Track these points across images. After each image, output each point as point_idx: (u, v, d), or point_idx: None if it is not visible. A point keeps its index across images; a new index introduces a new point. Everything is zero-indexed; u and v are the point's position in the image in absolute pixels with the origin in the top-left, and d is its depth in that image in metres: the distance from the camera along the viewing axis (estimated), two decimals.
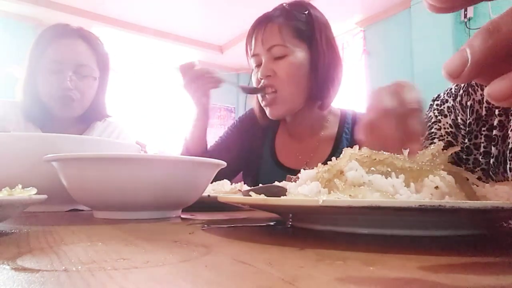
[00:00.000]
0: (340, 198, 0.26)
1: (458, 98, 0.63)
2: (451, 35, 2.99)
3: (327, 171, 0.31)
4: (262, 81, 0.98)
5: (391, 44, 3.61)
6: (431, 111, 0.67)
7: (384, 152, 0.31)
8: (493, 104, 0.58)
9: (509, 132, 0.56)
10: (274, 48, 0.96)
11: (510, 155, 0.56)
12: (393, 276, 0.17)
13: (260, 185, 0.41)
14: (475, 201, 0.23)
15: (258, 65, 1.01)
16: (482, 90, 0.60)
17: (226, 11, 3.72)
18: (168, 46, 4.45)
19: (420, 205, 0.22)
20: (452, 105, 0.64)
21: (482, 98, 0.60)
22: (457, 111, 0.63)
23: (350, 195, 0.27)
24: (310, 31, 0.98)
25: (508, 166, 0.55)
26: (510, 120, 0.56)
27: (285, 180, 0.48)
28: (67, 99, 1.07)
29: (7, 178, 0.53)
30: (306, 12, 1.00)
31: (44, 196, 0.35)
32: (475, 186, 0.30)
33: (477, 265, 0.20)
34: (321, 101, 1.00)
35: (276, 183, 0.46)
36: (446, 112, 0.64)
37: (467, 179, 0.30)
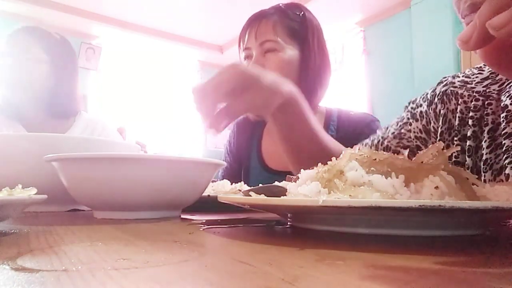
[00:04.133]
0: (340, 198, 0.26)
1: (433, 106, 0.63)
2: (451, 35, 2.99)
3: (327, 171, 0.31)
4: None
5: (391, 44, 3.61)
6: (404, 112, 0.68)
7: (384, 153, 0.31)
8: (466, 114, 0.59)
9: (482, 143, 0.56)
10: (266, 43, 0.98)
11: (484, 166, 0.55)
12: (393, 276, 0.17)
13: (260, 185, 0.41)
14: (475, 201, 0.23)
15: (248, 58, 1.03)
16: (457, 99, 0.60)
17: (226, 11, 3.72)
18: (168, 46, 4.45)
19: (420, 205, 0.22)
20: (426, 110, 0.63)
21: (455, 108, 0.60)
22: (430, 118, 0.63)
23: (350, 195, 0.27)
24: (303, 32, 1.01)
25: (482, 178, 0.55)
26: (483, 131, 0.56)
27: (284, 181, 0.48)
28: (17, 82, 1.14)
29: (7, 178, 0.53)
30: (301, 14, 1.02)
31: (44, 196, 0.35)
32: (475, 186, 0.30)
33: (477, 265, 0.20)
34: (308, 101, 1.02)
35: (276, 183, 0.46)
36: (418, 117, 0.64)
37: (467, 179, 0.30)
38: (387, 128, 0.69)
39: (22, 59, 1.14)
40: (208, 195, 0.55)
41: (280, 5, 1.04)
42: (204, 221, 0.44)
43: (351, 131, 1.02)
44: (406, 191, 0.27)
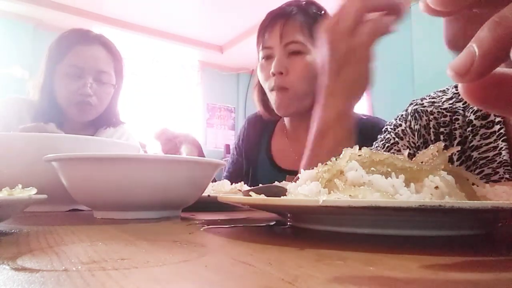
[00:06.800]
0: (340, 198, 0.26)
1: (407, 123, 0.66)
2: None
3: (327, 171, 0.31)
4: (272, 78, 0.96)
5: (391, 44, 3.60)
6: (387, 133, 0.70)
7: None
8: (438, 129, 0.62)
9: (453, 156, 0.59)
10: (291, 44, 0.94)
11: None
12: (393, 276, 0.17)
13: (260, 185, 0.41)
14: (475, 201, 0.23)
15: (268, 58, 0.99)
16: (427, 116, 0.64)
17: (226, 11, 3.72)
18: (168, 46, 4.45)
19: (420, 205, 0.22)
20: (405, 128, 0.67)
21: (427, 124, 0.63)
22: (409, 134, 0.66)
23: (350, 195, 0.27)
24: None
25: None
26: (453, 144, 0.59)
27: (284, 181, 0.48)
28: (86, 104, 1.09)
29: (7, 178, 0.53)
30: (322, 12, 0.99)
31: (44, 196, 0.35)
32: (475, 186, 0.31)
33: (477, 265, 0.20)
34: None
35: (276, 183, 0.46)
36: (401, 135, 0.67)
37: (467, 179, 0.30)
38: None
39: (95, 79, 1.09)
40: (208, 195, 0.56)
41: (301, 3, 0.99)
42: (204, 221, 0.44)
43: (363, 136, 1.01)
44: (406, 191, 0.27)
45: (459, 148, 0.58)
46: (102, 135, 1.19)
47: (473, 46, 0.19)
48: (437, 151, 0.31)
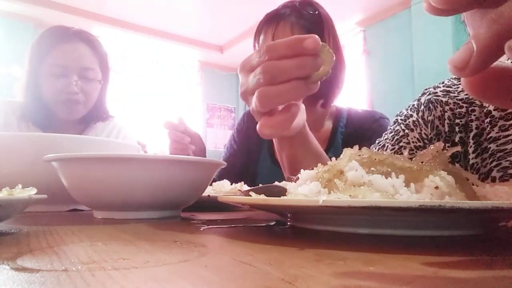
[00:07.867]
0: (340, 198, 0.26)
1: (420, 113, 0.64)
2: (451, 35, 3.00)
3: (327, 171, 0.31)
4: None
5: (391, 44, 3.61)
6: (397, 124, 0.68)
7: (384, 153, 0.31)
8: (453, 121, 0.60)
9: (468, 148, 0.57)
10: None
11: (471, 171, 0.56)
12: (393, 276, 0.17)
13: (260, 185, 0.41)
14: (475, 201, 0.23)
15: None
16: (442, 106, 0.61)
17: (226, 11, 3.72)
18: (168, 46, 4.45)
19: (420, 205, 0.22)
20: (416, 119, 0.65)
21: (442, 115, 0.61)
22: (421, 126, 0.64)
23: (350, 195, 0.27)
24: (319, 32, 0.98)
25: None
26: (469, 136, 0.57)
27: (284, 180, 0.48)
28: (73, 102, 1.08)
29: (7, 178, 0.53)
30: (316, 12, 1.00)
31: (44, 196, 0.35)
32: (475, 186, 0.31)
33: (477, 265, 0.20)
34: (324, 99, 1.02)
35: (276, 183, 0.46)
36: (412, 126, 0.65)
37: (467, 179, 0.30)
38: (384, 146, 0.68)
39: (80, 76, 1.08)
40: (208, 195, 0.56)
41: (296, 4, 1.01)
42: (204, 221, 0.44)
43: (359, 126, 1.02)
44: (406, 191, 0.27)
45: (459, 148, 0.57)
46: (92, 131, 1.18)
47: (471, 42, 0.20)
48: (437, 151, 0.31)
